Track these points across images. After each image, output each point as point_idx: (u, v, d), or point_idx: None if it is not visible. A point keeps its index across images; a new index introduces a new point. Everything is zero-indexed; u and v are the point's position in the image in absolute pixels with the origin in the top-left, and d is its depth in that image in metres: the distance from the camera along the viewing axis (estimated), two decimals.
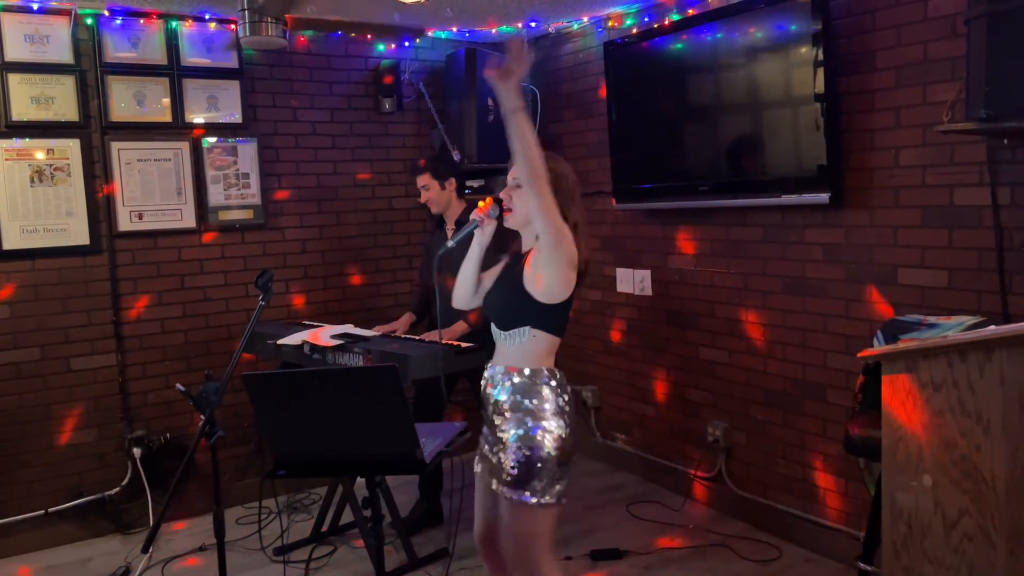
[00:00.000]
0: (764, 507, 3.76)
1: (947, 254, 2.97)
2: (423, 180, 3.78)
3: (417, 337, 3.61)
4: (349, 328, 3.62)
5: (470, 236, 2.46)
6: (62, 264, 3.87)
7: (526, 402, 2.26)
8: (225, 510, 4.12)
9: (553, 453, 2.23)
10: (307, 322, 4.06)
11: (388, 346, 3.33)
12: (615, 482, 4.47)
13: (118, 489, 4.01)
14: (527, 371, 2.29)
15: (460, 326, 3.60)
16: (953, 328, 2.66)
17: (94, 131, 3.93)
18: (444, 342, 3.41)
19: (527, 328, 2.28)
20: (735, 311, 3.83)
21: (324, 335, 3.49)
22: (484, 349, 3.33)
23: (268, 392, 1.77)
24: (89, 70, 3.91)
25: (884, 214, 3.16)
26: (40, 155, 3.80)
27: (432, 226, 4.21)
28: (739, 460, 3.90)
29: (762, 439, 3.76)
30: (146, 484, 4.01)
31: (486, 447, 2.39)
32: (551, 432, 2.24)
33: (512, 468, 2.22)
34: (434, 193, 3.78)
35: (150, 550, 2.34)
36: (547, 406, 2.26)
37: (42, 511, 3.85)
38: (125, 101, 3.98)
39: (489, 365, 2.42)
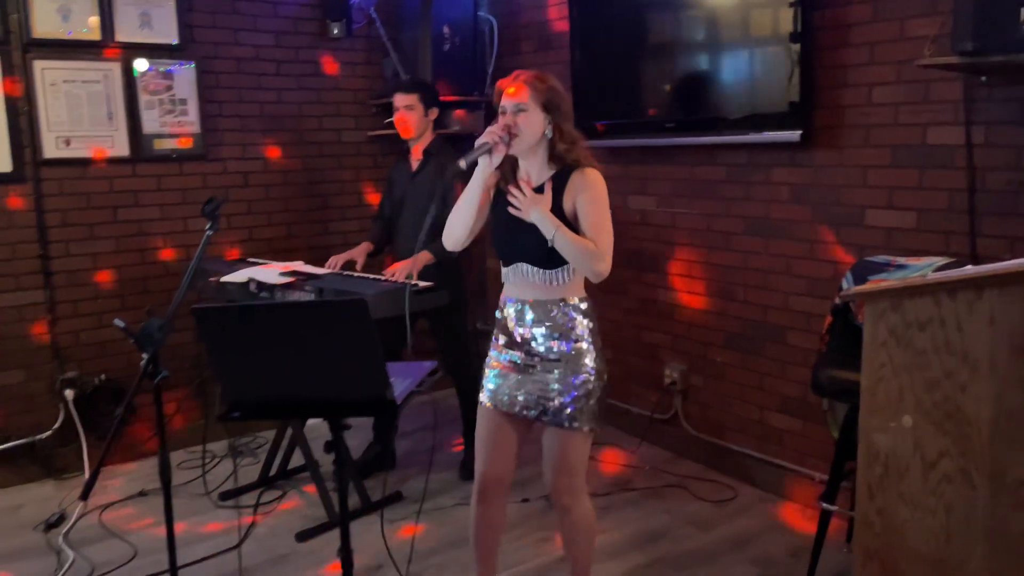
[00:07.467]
0: (720, 448, 3.76)
1: (916, 195, 2.92)
2: (409, 99, 3.52)
3: (372, 276, 3.42)
4: (299, 265, 3.44)
5: (475, 163, 2.22)
6: None
7: (570, 334, 2.27)
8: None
9: (601, 381, 2.31)
10: (252, 259, 3.84)
11: (342, 284, 3.16)
12: None
13: (49, 433, 3.80)
14: (566, 303, 2.26)
15: (424, 256, 3.37)
16: (923, 269, 2.63)
17: (15, 48, 3.60)
18: (402, 280, 3.25)
19: (571, 265, 2.24)
20: (696, 252, 3.76)
21: (271, 272, 3.31)
22: (444, 288, 3.20)
23: (222, 327, 1.61)
24: None
25: (854, 154, 3.09)
26: None
27: (395, 159, 3.95)
28: (696, 402, 3.88)
29: (720, 381, 3.73)
30: (80, 428, 3.79)
31: (511, 381, 2.32)
32: (597, 361, 2.30)
33: (569, 400, 2.27)
34: (416, 116, 3.53)
35: (88, 497, 2.16)
36: (588, 336, 2.28)
37: None
38: (48, 16, 3.65)
39: (510, 299, 2.33)
